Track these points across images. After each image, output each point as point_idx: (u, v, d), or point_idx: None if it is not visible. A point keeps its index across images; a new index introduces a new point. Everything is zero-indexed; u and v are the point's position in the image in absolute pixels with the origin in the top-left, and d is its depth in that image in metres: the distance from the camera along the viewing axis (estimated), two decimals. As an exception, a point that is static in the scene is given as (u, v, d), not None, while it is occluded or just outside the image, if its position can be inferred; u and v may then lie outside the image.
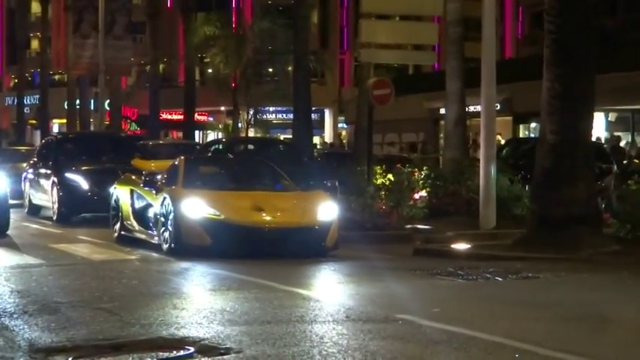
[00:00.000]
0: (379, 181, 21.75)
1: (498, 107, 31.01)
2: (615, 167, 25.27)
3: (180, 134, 51.69)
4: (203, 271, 14.04)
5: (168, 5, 59.86)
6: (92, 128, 49.53)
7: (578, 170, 16.10)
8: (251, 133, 47.18)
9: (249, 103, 46.10)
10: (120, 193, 17.82)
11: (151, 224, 16.44)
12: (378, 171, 22.38)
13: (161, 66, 52.12)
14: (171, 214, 15.14)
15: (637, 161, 27.24)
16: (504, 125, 42.03)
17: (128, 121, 59.05)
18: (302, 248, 15.23)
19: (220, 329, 8.82)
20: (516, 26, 59.83)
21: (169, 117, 57.85)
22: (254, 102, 46.01)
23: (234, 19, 56.55)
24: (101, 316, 9.74)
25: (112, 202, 18.08)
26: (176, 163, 17.39)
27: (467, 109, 24.34)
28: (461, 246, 16.67)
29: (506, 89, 35.15)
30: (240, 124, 46.99)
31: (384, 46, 23.53)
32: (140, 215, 16.91)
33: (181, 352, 7.76)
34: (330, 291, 12.50)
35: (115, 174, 20.16)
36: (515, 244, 16.35)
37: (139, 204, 17.09)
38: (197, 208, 15.14)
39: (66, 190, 21.21)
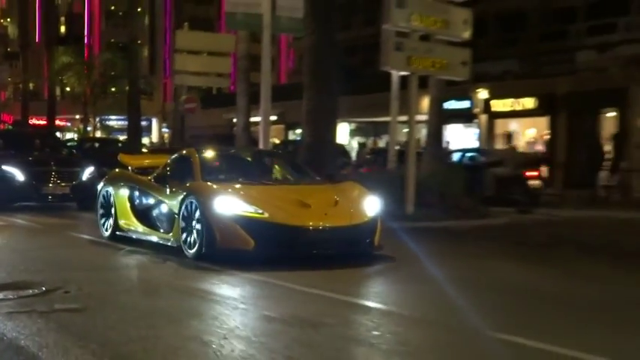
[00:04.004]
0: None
1: (275, 118, 31.29)
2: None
3: (45, 135, 50.55)
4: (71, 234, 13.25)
5: (37, 40, 57.94)
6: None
7: (326, 163, 16.41)
8: (98, 134, 47.03)
9: (96, 112, 46.24)
10: (112, 189, 11.90)
11: (161, 224, 10.83)
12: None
13: (31, 84, 50.77)
14: (198, 214, 9.64)
15: (369, 157, 27.87)
16: (279, 131, 42.73)
17: (5, 124, 57.08)
18: (351, 248, 10.05)
19: (66, 275, 8.60)
20: (288, 61, 60.79)
21: (37, 122, 56.12)
22: (100, 112, 46.20)
23: (85, 51, 55.80)
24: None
25: (100, 198, 12.15)
26: (180, 156, 11.68)
27: (252, 119, 24.49)
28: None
29: (280, 106, 35.43)
30: (89, 128, 47.03)
31: (193, 72, 23.56)
32: (144, 214, 11.23)
33: (36, 291, 7.58)
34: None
35: (47, 166, 17.54)
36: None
37: (142, 202, 11.38)
38: (234, 205, 9.52)
39: (1, 180, 16.93)
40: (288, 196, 10.10)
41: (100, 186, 12.51)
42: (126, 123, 37.93)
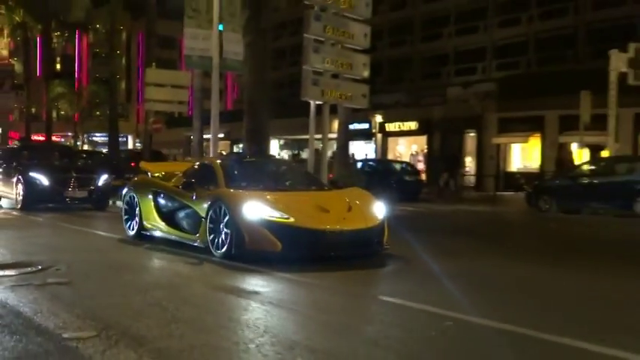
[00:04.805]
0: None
1: (223, 135, 30.96)
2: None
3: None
4: (51, 223, 12.93)
5: (38, 74, 56.38)
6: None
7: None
8: (85, 148, 46.13)
9: (84, 131, 45.20)
10: (137, 193, 10.22)
11: (187, 226, 9.16)
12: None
13: (32, 109, 49.54)
14: (227, 218, 8.07)
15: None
16: (226, 145, 42.43)
17: (13, 140, 55.46)
18: (365, 249, 8.44)
19: (59, 256, 8.37)
20: (233, 92, 60.36)
21: (38, 138, 54.50)
22: (87, 130, 45.27)
23: (76, 84, 54.69)
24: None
25: (125, 201, 10.48)
26: (202, 164, 10.09)
27: (205, 136, 24.22)
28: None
29: (227, 126, 35.34)
30: (79, 143, 46.10)
31: (160, 100, 23.18)
32: (169, 216, 9.59)
33: (33, 268, 7.35)
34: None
35: (68, 173, 16.16)
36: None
37: (167, 205, 9.72)
38: (261, 211, 7.96)
39: (29, 185, 15.73)
40: (309, 202, 8.48)
41: (124, 191, 10.73)
42: (107, 139, 37.34)
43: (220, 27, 17.50)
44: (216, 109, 17.58)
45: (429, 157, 37.16)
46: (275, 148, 42.68)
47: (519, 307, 5.86)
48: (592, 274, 7.88)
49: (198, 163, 10.30)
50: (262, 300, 5.91)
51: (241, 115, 17.49)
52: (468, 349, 4.51)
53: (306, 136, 18.10)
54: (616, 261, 9.23)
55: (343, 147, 19.21)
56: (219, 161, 9.59)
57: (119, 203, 16.35)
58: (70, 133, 51.82)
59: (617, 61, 23.29)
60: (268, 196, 8.34)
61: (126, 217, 10.43)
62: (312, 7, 15.05)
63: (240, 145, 39.23)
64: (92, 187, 16.24)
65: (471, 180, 34.42)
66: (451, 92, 38.29)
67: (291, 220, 7.92)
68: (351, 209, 8.52)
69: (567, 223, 16.23)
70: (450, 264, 8.20)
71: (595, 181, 18.47)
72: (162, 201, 9.84)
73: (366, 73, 16.77)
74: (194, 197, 8.97)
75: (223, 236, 8.11)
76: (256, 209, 7.96)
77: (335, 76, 16.22)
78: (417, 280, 7.24)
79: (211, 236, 8.34)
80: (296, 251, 7.82)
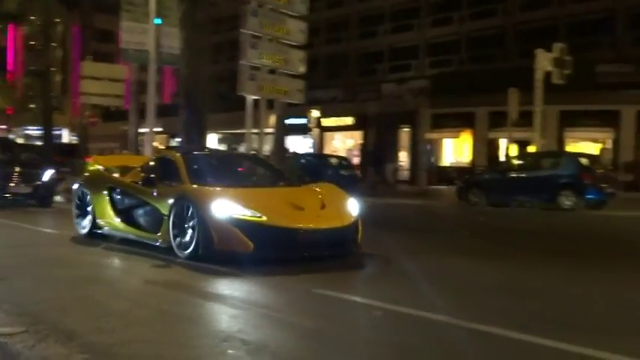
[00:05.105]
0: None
1: (161, 129, 30.49)
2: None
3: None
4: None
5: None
6: None
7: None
8: (20, 141, 44.92)
9: (19, 124, 43.74)
10: (89, 189, 9.30)
11: (146, 224, 8.31)
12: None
13: (-36, 101, 47.82)
14: (194, 217, 7.26)
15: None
16: (164, 139, 41.81)
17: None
18: (340, 249, 7.73)
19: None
20: (171, 85, 59.50)
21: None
22: (22, 123, 43.70)
23: (10, 76, 53.04)
24: None
25: (76, 199, 9.50)
26: (162, 158, 8.94)
27: (141, 130, 23.80)
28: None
29: (165, 120, 34.73)
30: (13, 136, 44.75)
31: (96, 94, 22.69)
32: (128, 214, 8.67)
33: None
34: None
35: (12, 167, 14.83)
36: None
37: (125, 202, 8.77)
38: (231, 209, 7.14)
39: None
40: (281, 199, 7.72)
41: (75, 186, 9.76)
42: (42, 133, 36.39)
43: (157, 21, 17.24)
44: (152, 102, 17.34)
45: (363, 153, 37.52)
46: (214, 141, 42.30)
47: (449, 297, 5.98)
48: (515, 264, 8.11)
49: (157, 157, 9.42)
50: (197, 294, 5.85)
51: (177, 110, 17.26)
52: (394, 337, 4.58)
53: (244, 131, 18.01)
54: (537, 252, 9.52)
55: (280, 142, 19.19)
56: (179, 154, 8.59)
57: (57, 198, 16.09)
58: (4, 126, 50.25)
59: (543, 61, 24.02)
60: (238, 193, 7.54)
61: (77, 213, 9.50)
62: (249, 2, 14.99)
63: (177, 139, 38.75)
64: (37, 183, 15.06)
65: (404, 174, 34.93)
66: (386, 88, 38.71)
67: (264, 218, 7.19)
68: (325, 207, 7.80)
69: (495, 215, 16.63)
70: (387, 258, 8.29)
71: (522, 176, 19.01)
72: (118, 197, 8.92)
73: (302, 69, 16.79)
74: (155, 194, 8.10)
75: (189, 236, 7.36)
76: (226, 207, 7.17)
77: (272, 71, 16.19)
78: (353, 275, 7.29)
79: (175, 236, 7.56)
80: (269, 252, 7.18)
